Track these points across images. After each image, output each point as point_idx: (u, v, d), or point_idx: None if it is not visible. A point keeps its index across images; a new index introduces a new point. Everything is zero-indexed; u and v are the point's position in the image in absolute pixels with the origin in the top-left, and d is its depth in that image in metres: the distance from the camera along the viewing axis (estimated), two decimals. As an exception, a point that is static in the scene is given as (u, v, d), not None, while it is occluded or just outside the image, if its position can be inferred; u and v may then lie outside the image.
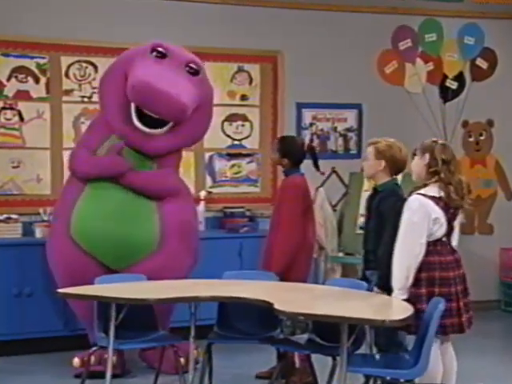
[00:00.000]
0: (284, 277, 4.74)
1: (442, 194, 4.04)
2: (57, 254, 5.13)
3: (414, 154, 4.19)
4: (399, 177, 5.95)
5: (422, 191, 4.05)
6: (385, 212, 4.26)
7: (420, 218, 3.98)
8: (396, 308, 3.89)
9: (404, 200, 4.14)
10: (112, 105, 5.01)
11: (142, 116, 4.87)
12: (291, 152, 5.03)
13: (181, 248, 5.10)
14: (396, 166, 4.39)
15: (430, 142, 4.15)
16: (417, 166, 4.16)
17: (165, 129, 4.93)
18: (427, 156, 4.09)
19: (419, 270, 4.00)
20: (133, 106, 4.88)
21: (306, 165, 5.13)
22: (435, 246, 4.05)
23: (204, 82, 5.12)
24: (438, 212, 4.02)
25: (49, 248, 5.22)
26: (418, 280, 4.00)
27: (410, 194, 4.12)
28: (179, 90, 4.78)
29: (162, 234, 5.04)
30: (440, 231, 4.05)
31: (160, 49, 5.00)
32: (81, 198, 5.01)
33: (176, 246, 5.06)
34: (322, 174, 5.57)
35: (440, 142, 4.20)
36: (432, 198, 4.02)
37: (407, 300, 3.96)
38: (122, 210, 4.98)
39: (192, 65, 5.03)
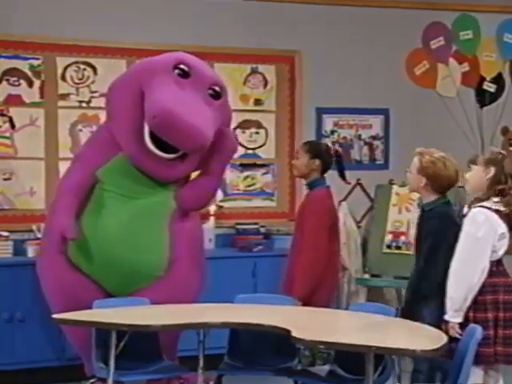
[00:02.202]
0: (307, 302, 4.72)
1: (506, 210, 4.04)
2: (50, 274, 5.10)
3: (472, 163, 4.14)
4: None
5: (486, 204, 4.03)
6: (431, 236, 4.21)
7: (486, 233, 3.97)
8: (428, 336, 3.85)
9: (452, 222, 4.12)
10: (123, 121, 4.91)
11: (154, 137, 4.77)
12: (320, 155, 5.04)
13: (190, 272, 5.08)
14: (439, 184, 4.28)
15: (497, 155, 4.13)
16: (476, 177, 4.12)
17: (177, 154, 4.86)
18: (492, 170, 4.06)
19: (484, 292, 3.99)
20: (146, 127, 4.78)
21: (327, 176, 5.12)
22: (498, 266, 4.04)
23: (225, 106, 5.11)
24: (503, 227, 4.01)
25: (40, 268, 5.19)
26: (483, 303, 3.99)
27: (469, 207, 4.09)
28: (203, 122, 4.74)
29: (172, 256, 5.00)
30: (503, 249, 4.04)
31: (183, 66, 4.92)
32: (82, 214, 4.94)
33: (186, 271, 5.04)
34: (349, 183, 5.55)
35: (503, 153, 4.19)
36: (497, 211, 4.01)
37: (463, 325, 3.94)
38: (130, 229, 4.91)
39: (215, 87, 5.00)
